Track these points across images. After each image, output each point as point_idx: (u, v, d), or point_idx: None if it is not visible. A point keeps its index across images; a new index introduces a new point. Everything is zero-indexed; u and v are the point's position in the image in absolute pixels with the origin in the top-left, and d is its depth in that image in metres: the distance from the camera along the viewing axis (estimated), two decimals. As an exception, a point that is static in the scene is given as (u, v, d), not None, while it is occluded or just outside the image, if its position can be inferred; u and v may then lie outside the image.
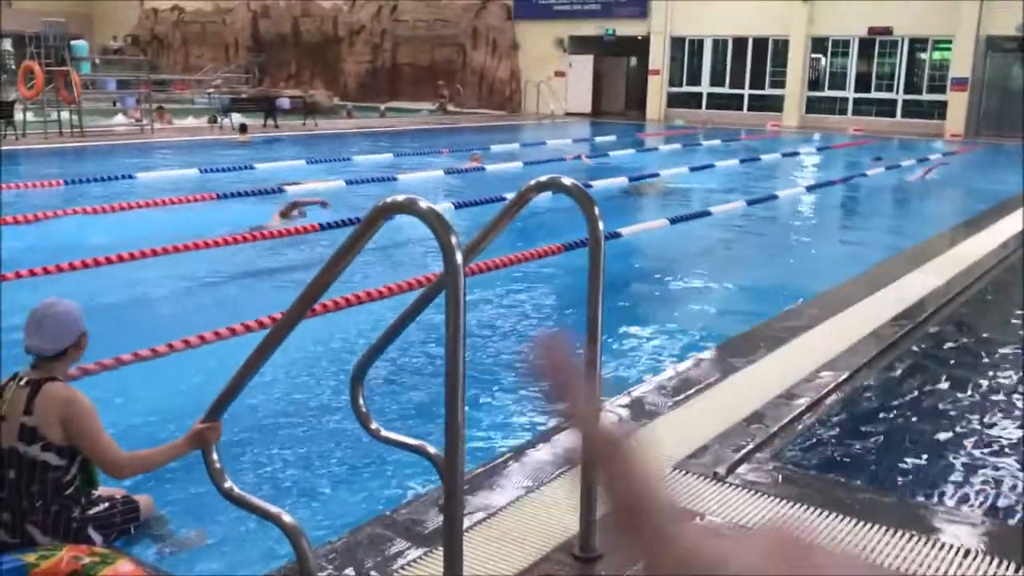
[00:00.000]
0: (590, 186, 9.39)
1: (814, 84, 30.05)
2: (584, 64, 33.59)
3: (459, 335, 2.51)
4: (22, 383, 3.14)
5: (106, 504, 3.30)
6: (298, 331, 2.86)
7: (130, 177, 13.61)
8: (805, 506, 3.53)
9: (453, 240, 2.40)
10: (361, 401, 3.53)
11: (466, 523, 3.06)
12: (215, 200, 11.59)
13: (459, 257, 2.40)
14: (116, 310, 6.90)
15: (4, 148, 17.29)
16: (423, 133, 24.70)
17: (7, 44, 44.21)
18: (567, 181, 3.13)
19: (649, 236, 10.49)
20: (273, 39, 40.28)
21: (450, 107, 32.98)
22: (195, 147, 19.27)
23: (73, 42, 24.64)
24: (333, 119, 27.60)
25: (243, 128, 20.54)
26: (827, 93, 29.83)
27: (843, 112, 29.46)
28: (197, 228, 9.24)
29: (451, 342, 2.52)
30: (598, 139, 24.01)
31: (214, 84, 31.94)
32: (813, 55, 29.86)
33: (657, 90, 32.19)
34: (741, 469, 3.88)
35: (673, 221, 10.82)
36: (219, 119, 23.00)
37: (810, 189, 15.81)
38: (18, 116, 19.22)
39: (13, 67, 32.79)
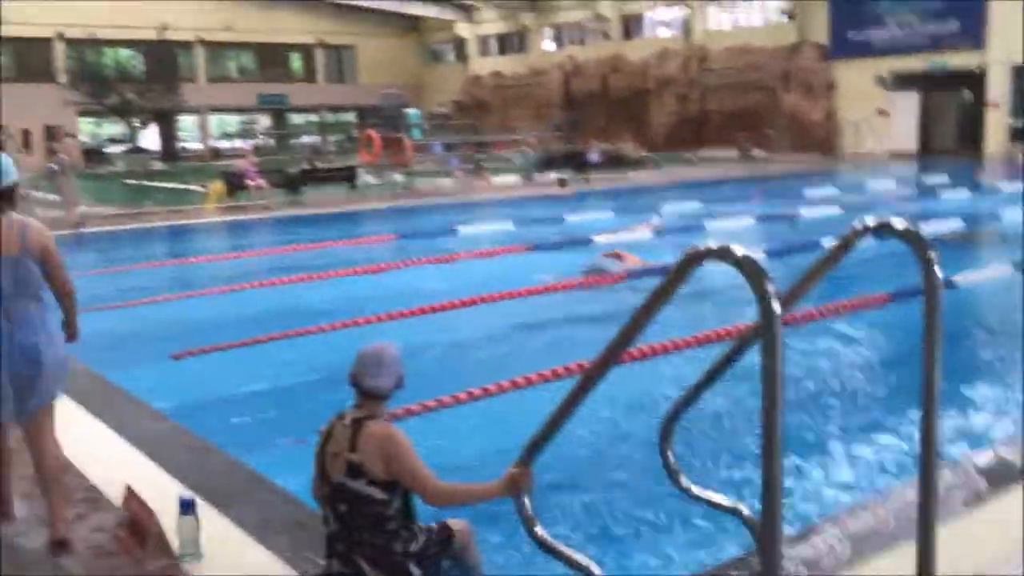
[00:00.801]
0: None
1: None
2: (909, 100, 31.42)
3: (776, 389, 2.33)
4: (346, 422, 3.35)
5: (423, 538, 3.44)
6: (606, 378, 2.82)
7: (453, 232, 14.58)
8: None
9: (770, 288, 2.24)
10: (670, 454, 3.42)
11: (783, 594, 2.82)
12: (529, 251, 12.08)
13: (776, 306, 2.23)
14: (437, 354, 7.33)
15: (347, 208, 19.31)
16: (733, 180, 24.25)
17: (351, 116, 49.75)
18: (898, 223, 2.84)
19: (991, 285, 9.43)
20: (584, 96, 41.79)
21: (755, 153, 32.17)
22: (511, 202, 20.31)
23: (406, 111, 27.21)
24: (641, 170, 27.93)
25: (562, 182, 21.41)
26: None
27: None
28: (512, 277, 9.66)
29: (768, 397, 2.35)
30: (927, 179, 22.22)
31: (528, 142, 33.61)
32: None
33: (996, 124, 29.31)
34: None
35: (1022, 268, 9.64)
36: (533, 175, 24.10)
37: None
38: (359, 179, 21.37)
39: (356, 135, 36.75)
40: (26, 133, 39.92)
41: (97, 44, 39.92)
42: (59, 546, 3.80)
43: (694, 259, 2.47)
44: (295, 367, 6.93)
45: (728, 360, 3.22)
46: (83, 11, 40.62)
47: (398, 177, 21.88)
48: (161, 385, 6.48)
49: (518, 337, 8.09)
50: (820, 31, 33.82)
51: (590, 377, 2.84)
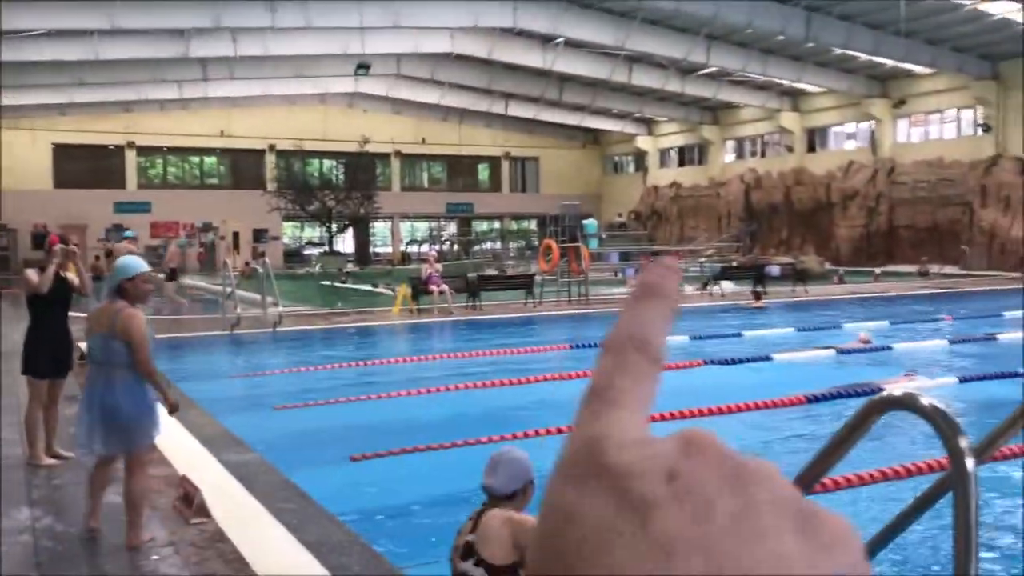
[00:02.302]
0: None
1: None
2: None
3: (971, 548, 2.19)
4: (472, 515, 3.52)
5: None
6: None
7: (627, 343, 14.55)
8: None
9: (963, 444, 2.13)
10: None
11: None
12: (702, 366, 11.87)
13: (970, 464, 2.11)
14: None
15: (523, 314, 19.70)
16: (923, 298, 23.05)
17: (532, 223, 51.19)
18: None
19: None
20: (764, 208, 41.25)
21: (934, 270, 30.46)
22: (687, 314, 20.12)
23: (584, 221, 27.71)
24: (824, 284, 27.06)
25: (757, 295, 21.09)
26: None
27: None
28: (688, 392, 9.50)
29: (961, 554, 2.21)
30: None
31: (707, 253, 33.36)
32: None
33: None
34: None
35: None
36: (710, 286, 23.84)
37: None
38: (536, 287, 21.83)
39: (536, 244, 37.67)
40: (236, 235, 43.48)
41: (303, 155, 43.31)
42: (130, 549, 5.14)
43: (876, 409, 2.39)
44: (467, 475, 7.05)
45: (917, 510, 3.05)
46: (293, 125, 44.36)
47: (575, 286, 22.18)
48: (339, 486, 6.74)
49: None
50: (1019, 145, 32.14)
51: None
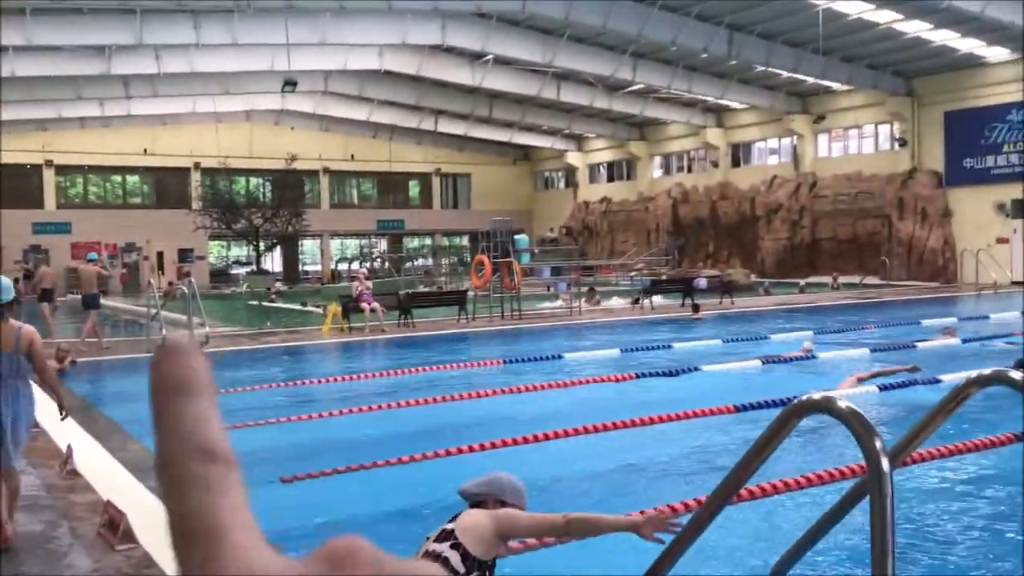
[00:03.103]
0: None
1: None
2: (1032, 228, 30.38)
3: (887, 548, 2.27)
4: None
5: None
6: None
7: (559, 357, 14.66)
8: None
9: (877, 445, 2.22)
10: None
11: None
12: (634, 379, 12.01)
13: (885, 464, 2.20)
14: (541, 487, 7.27)
15: (456, 331, 19.68)
16: (845, 308, 23.70)
17: (464, 240, 51.24)
18: (1016, 375, 2.77)
19: None
20: (691, 222, 42.03)
21: (843, 281, 31.30)
22: (618, 327, 20.32)
23: (516, 236, 27.82)
24: (751, 296, 27.63)
25: (696, 307, 21.47)
26: None
27: None
28: (619, 405, 9.60)
29: (877, 555, 2.28)
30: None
31: (636, 267, 33.80)
32: None
33: None
34: None
35: None
36: (640, 300, 24.14)
37: None
38: (469, 303, 21.82)
39: (468, 260, 37.70)
40: (160, 255, 42.54)
41: (229, 173, 42.64)
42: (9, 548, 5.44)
43: (796, 412, 2.46)
44: (402, 493, 7.00)
45: (838, 513, 3.14)
46: (219, 142, 43.67)
47: (507, 301, 22.25)
48: (270, 508, 6.62)
49: (625, 470, 7.97)
50: (935, 158, 33.37)
51: (700, 519, 2.82)
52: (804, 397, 2.48)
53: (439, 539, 3.48)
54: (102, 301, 18.87)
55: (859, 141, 37.29)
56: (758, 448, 2.61)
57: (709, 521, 2.81)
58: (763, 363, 13.29)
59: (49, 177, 43.38)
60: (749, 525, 5.99)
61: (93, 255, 19.00)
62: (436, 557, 3.43)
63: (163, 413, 0.27)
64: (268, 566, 0.25)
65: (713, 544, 5.45)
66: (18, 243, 39.63)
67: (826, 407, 2.42)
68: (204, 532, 0.25)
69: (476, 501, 3.66)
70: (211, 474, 0.26)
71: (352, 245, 51.41)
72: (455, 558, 3.41)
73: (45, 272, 20.32)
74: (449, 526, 3.50)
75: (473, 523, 3.49)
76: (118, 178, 45.99)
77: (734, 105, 39.55)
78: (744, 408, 9.44)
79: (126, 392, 13.18)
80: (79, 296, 18.90)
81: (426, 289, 30.36)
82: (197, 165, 44.63)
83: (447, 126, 44.87)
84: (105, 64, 29.71)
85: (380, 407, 10.49)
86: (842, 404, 2.39)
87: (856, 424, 2.30)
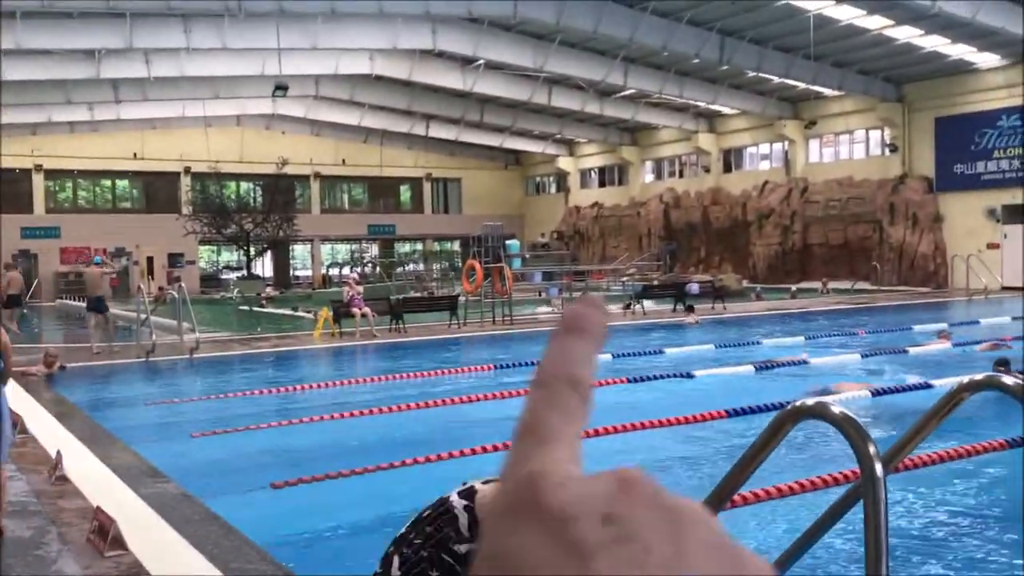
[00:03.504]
0: (1037, 372, 8.26)
1: None
2: (1021, 234, 30.51)
3: (881, 553, 2.26)
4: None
5: None
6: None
7: (551, 362, 14.60)
8: None
9: (871, 450, 2.20)
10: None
11: None
12: (625, 384, 12.00)
13: (879, 469, 2.18)
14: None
15: (447, 336, 19.64)
16: (837, 313, 23.76)
17: (456, 245, 51.21)
18: (1009, 380, 2.76)
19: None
20: (683, 227, 42.10)
21: (832, 287, 31.36)
22: (609, 332, 20.28)
23: (508, 241, 27.81)
24: (742, 302, 27.67)
25: (691, 309, 21.63)
26: None
27: None
28: (609, 411, 9.57)
29: (871, 559, 2.27)
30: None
31: (628, 272, 33.80)
32: None
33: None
34: None
35: None
36: (632, 305, 24.15)
37: None
38: (460, 308, 21.78)
39: (459, 265, 37.66)
40: (150, 260, 42.38)
41: (220, 177, 42.53)
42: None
43: (791, 417, 2.45)
44: (392, 498, 6.97)
45: (832, 517, 3.12)
46: (210, 147, 43.56)
47: (499, 306, 22.23)
48: (261, 514, 6.59)
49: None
50: (926, 164, 33.51)
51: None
52: (798, 402, 2.47)
53: (463, 495, 3.40)
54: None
55: (850, 147, 37.43)
56: (753, 453, 2.60)
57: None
58: (756, 368, 13.29)
59: (38, 182, 43.20)
60: (743, 531, 5.98)
61: (98, 258, 18.91)
62: (447, 511, 3.37)
63: (555, 341, 0.32)
64: (567, 474, 0.28)
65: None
66: (7, 248, 39.42)
67: (820, 412, 2.40)
68: (538, 438, 0.29)
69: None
70: (565, 398, 0.30)
71: (343, 250, 51.32)
72: (464, 520, 3.37)
73: (13, 278, 20.19)
74: (474, 483, 3.42)
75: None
76: (108, 182, 45.82)
77: (726, 110, 39.64)
78: (737, 413, 9.44)
79: (116, 398, 13.12)
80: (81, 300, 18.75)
81: (417, 294, 30.32)
82: (187, 170, 44.50)
83: (438, 131, 44.85)
84: (95, 68, 29.61)
85: (371, 412, 10.45)
86: (836, 409, 2.38)
87: (850, 429, 2.29)
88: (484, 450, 8.00)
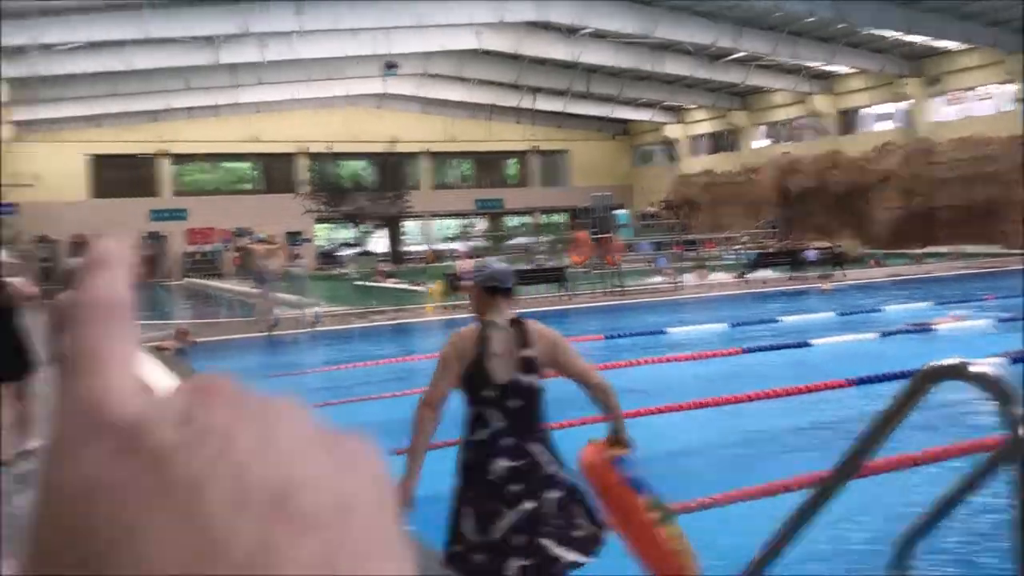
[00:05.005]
0: None
1: None
2: None
3: (1030, 521, 2.13)
4: (502, 324, 3.64)
5: None
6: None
7: (663, 332, 14.47)
8: None
9: (1018, 411, 2.08)
10: (906, 582, 3.17)
11: None
12: (742, 354, 11.76)
13: (1028, 431, 2.06)
14: (644, 462, 7.18)
15: (557, 307, 19.65)
16: (967, 279, 22.66)
17: (563, 217, 51.11)
18: None
19: None
20: (799, 193, 40.81)
21: (960, 251, 29.85)
22: (723, 302, 19.94)
23: (616, 211, 27.59)
24: (861, 268, 26.70)
25: (824, 277, 21.13)
26: None
27: None
28: (722, 381, 9.42)
29: (1020, 529, 2.15)
30: None
31: (741, 241, 33.07)
32: None
33: None
34: None
35: None
36: (746, 274, 23.62)
37: None
38: (569, 280, 21.76)
39: (566, 236, 37.58)
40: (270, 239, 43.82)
41: (334, 157, 43.56)
42: None
43: (929, 378, 2.33)
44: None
45: (971, 485, 2.98)
46: (323, 127, 44.64)
47: (608, 277, 22.08)
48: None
49: (738, 447, 7.81)
50: (1062, 118, 31.53)
51: (819, 496, 2.72)
52: (937, 363, 2.35)
53: (527, 368, 3.55)
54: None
55: (977, 103, 35.49)
56: (886, 418, 2.49)
57: (828, 497, 2.71)
58: (880, 336, 12.82)
59: (165, 166, 45.17)
60: (873, 500, 5.79)
61: (260, 235, 19.93)
62: (531, 391, 3.55)
63: (87, 278, 0.29)
64: (132, 390, 0.26)
65: (836, 518, 5.29)
66: (138, 231, 41.49)
67: (962, 372, 2.28)
68: (91, 367, 0.26)
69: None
70: (113, 325, 0.28)
71: (452, 225, 51.89)
72: (542, 387, 3.58)
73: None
74: (531, 353, 3.55)
75: (552, 345, 3.59)
76: (229, 165, 47.55)
77: (842, 70, 38.17)
78: (861, 381, 9.13)
79: (242, 368, 13.64)
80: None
81: (525, 267, 30.42)
82: (303, 150, 45.73)
83: (545, 103, 44.71)
84: (214, 54, 30.68)
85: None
86: (979, 369, 2.26)
87: (995, 389, 2.16)
88: (594, 420, 7.96)
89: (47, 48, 27.43)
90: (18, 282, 7.70)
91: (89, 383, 0.26)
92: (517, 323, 3.62)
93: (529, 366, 3.50)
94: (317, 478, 0.25)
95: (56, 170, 41.07)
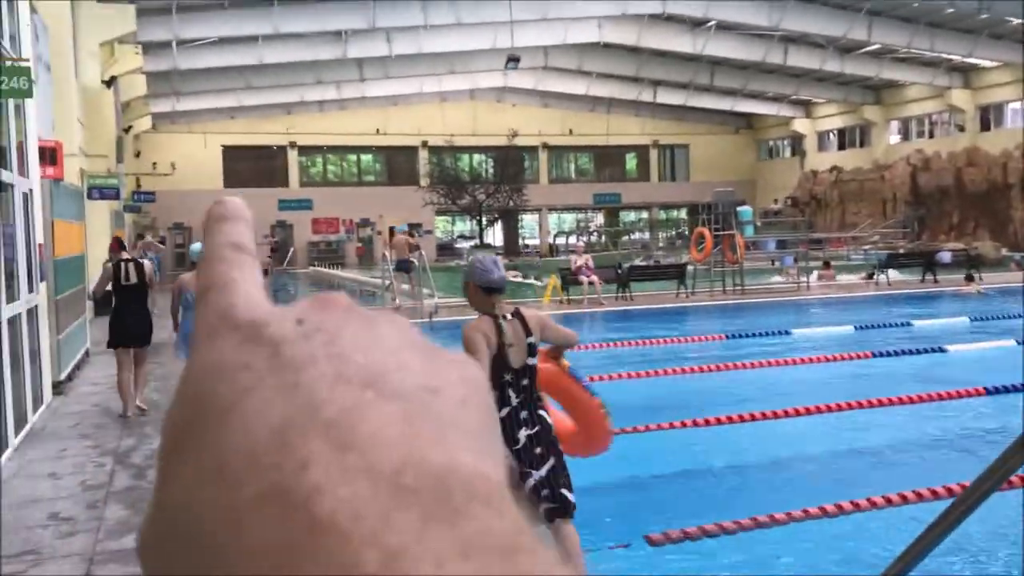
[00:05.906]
0: None
1: None
2: None
3: None
4: (507, 316, 4.22)
5: None
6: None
7: (786, 333, 14.05)
8: None
9: None
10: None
11: None
12: (869, 358, 11.31)
13: None
14: (761, 467, 6.98)
15: (676, 304, 19.36)
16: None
17: (682, 212, 50.30)
18: None
19: None
20: (933, 191, 38.98)
21: None
22: (850, 303, 19.24)
23: (739, 208, 26.89)
24: (1001, 272, 25.28)
25: (969, 278, 20.33)
26: None
27: None
28: (849, 386, 9.06)
29: None
30: None
31: (871, 240, 31.83)
32: None
33: None
34: None
35: None
36: (876, 275, 22.71)
37: None
38: (688, 277, 21.38)
39: (687, 233, 36.97)
40: (391, 230, 44.77)
41: (454, 150, 44.12)
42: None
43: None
44: (624, 464, 6.94)
45: None
46: (444, 121, 45.27)
47: (728, 275, 21.58)
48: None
49: (864, 453, 7.49)
50: None
51: (960, 506, 2.56)
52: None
53: (531, 353, 4.22)
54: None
55: None
56: (1039, 431, 2.32)
57: (972, 508, 2.53)
58: (1018, 343, 12.10)
59: (292, 157, 46.70)
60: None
61: (403, 227, 20.90)
62: (534, 370, 4.26)
63: (208, 231, 0.36)
64: (258, 300, 0.31)
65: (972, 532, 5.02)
66: (266, 220, 43.05)
67: None
68: (217, 286, 0.32)
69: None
70: (236, 258, 0.33)
71: (569, 219, 51.83)
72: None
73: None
74: (533, 340, 4.21)
75: (539, 326, 4.26)
76: (353, 157, 48.78)
77: (983, 63, 36.20)
78: (998, 391, 8.64)
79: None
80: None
81: (643, 263, 30.09)
82: (424, 143, 46.50)
83: (666, 96, 44.08)
84: (342, 48, 31.51)
85: (600, 378, 10.48)
86: None
87: None
88: (707, 423, 7.81)
89: (184, 44, 28.72)
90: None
91: (223, 297, 0.31)
92: (517, 314, 4.26)
93: (532, 350, 4.23)
94: (408, 367, 0.28)
95: (192, 160, 43.03)
